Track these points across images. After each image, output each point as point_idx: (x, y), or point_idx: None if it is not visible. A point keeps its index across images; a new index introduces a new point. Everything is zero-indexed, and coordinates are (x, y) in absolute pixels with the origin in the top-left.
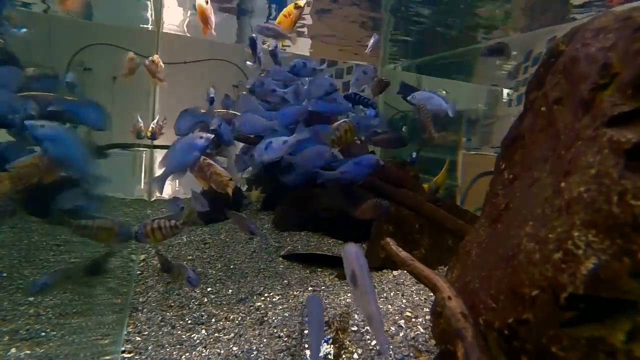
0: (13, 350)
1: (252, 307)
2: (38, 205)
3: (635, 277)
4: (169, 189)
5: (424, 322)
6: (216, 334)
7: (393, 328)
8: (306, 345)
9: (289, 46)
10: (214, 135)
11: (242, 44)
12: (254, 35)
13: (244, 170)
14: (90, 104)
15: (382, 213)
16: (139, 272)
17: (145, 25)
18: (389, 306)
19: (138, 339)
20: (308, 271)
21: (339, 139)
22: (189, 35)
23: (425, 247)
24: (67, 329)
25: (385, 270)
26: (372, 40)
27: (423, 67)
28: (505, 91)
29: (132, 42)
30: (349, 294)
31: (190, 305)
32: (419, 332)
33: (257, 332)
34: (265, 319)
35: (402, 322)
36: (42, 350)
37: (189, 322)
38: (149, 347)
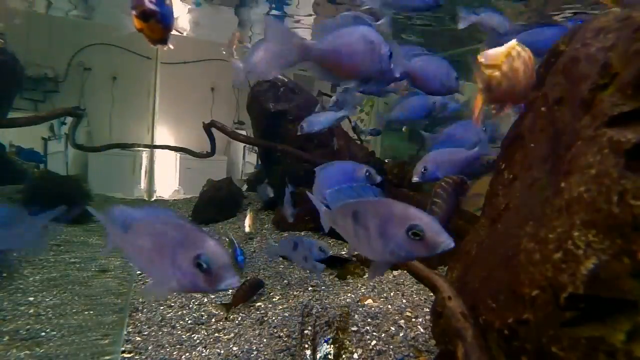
0: (13, 350)
1: (252, 307)
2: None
3: (635, 277)
4: (168, 189)
5: (424, 322)
6: (216, 334)
7: (393, 328)
8: (306, 345)
9: None
10: None
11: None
12: None
13: None
14: None
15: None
16: (139, 272)
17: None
18: (389, 306)
19: (138, 339)
20: (308, 271)
21: None
22: (190, 34)
23: None
24: (67, 329)
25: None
26: None
27: None
28: None
29: (132, 42)
30: (349, 294)
31: (190, 305)
32: (419, 332)
33: (257, 332)
34: (265, 319)
35: (402, 322)
36: (42, 350)
37: (189, 322)
38: (149, 347)
